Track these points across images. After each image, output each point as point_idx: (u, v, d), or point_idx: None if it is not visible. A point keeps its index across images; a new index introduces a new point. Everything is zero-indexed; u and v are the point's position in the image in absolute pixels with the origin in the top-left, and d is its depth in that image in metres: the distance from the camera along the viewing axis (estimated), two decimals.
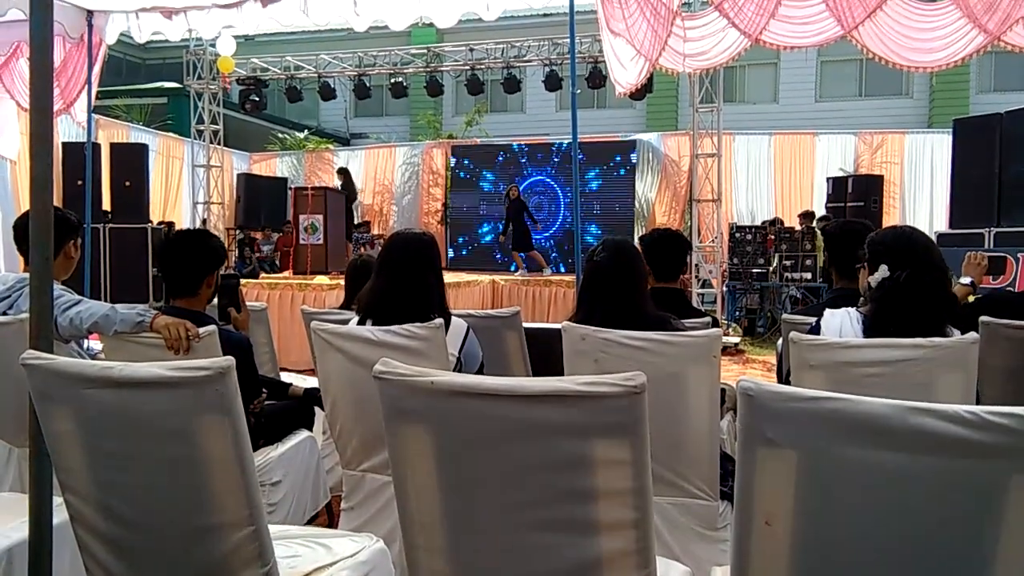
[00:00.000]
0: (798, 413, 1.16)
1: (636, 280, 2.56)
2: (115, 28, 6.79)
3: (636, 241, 3.39)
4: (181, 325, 2.42)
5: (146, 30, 6.72)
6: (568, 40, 6.18)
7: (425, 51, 12.92)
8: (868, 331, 2.25)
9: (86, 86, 6.97)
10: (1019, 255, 6.09)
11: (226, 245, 10.16)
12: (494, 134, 15.84)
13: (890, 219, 11.12)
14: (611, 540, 1.34)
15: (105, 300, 6.36)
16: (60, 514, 1.79)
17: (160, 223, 11.01)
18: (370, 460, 2.60)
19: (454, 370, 2.53)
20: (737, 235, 10.16)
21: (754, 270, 9.81)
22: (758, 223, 11.16)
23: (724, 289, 9.97)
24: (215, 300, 2.86)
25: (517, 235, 10.71)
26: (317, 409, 3.21)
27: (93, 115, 7.61)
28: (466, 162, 13.70)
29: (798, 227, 10.14)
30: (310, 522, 2.99)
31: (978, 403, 2.02)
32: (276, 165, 15.24)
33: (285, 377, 3.66)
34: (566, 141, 12.41)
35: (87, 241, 5.11)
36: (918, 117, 17.14)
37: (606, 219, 12.58)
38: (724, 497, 2.37)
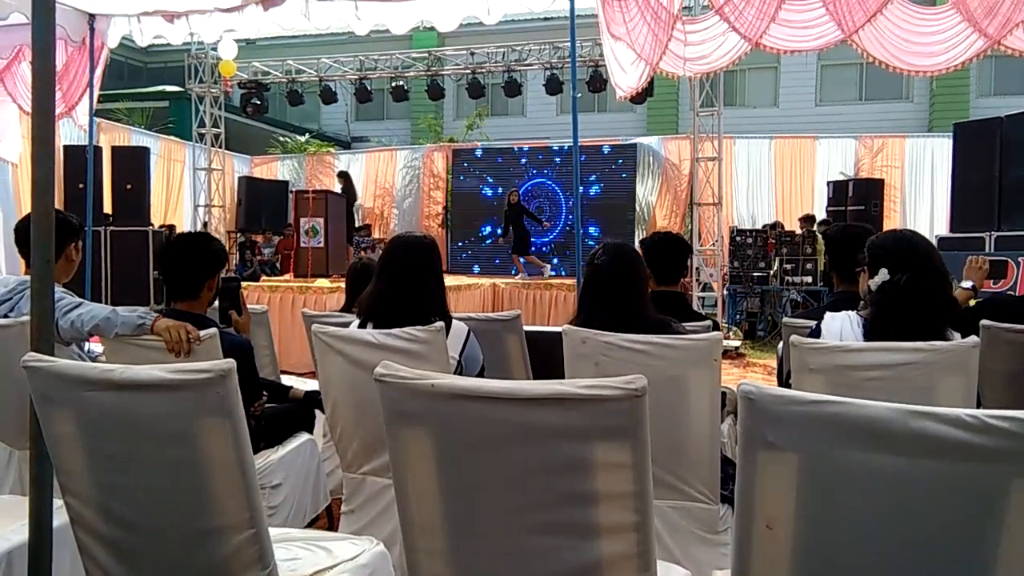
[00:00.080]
0: (799, 417, 1.16)
1: (637, 283, 2.56)
2: (117, 32, 6.80)
3: (637, 244, 3.39)
4: (182, 328, 2.42)
5: (148, 34, 6.73)
6: (569, 44, 6.19)
7: (426, 55, 12.94)
8: (868, 335, 2.25)
9: (88, 89, 6.98)
10: (1020, 259, 6.10)
11: (227, 248, 10.21)
12: (495, 138, 15.86)
13: (891, 223, 11.11)
14: (612, 543, 1.34)
15: (106, 303, 6.37)
16: (60, 516, 1.79)
17: (161, 226, 11.03)
18: (370, 463, 2.59)
19: (455, 373, 2.53)
20: (738, 239, 10.16)
21: (755, 274, 9.81)
22: (759, 227, 11.16)
23: (725, 292, 9.97)
24: (216, 303, 2.86)
25: (516, 239, 10.75)
26: (318, 412, 3.21)
27: (95, 118, 7.61)
28: (467, 166, 13.70)
29: (799, 231, 10.15)
30: (310, 525, 2.99)
31: (979, 407, 2.02)
32: (277, 168, 15.26)
33: (286, 380, 3.66)
34: (567, 145, 12.43)
35: (88, 244, 5.12)
36: (918, 121, 17.14)
37: (607, 223, 12.59)
38: (725, 500, 2.37)
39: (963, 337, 2.19)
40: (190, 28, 6.60)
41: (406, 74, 13.03)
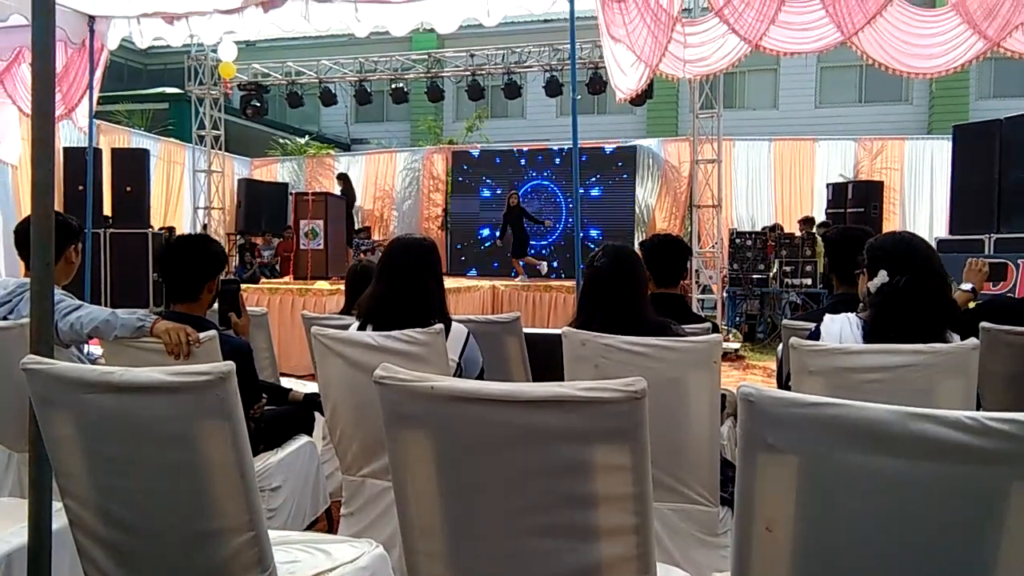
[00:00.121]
0: (799, 419, 1.16)
1: (636, 286, 2.56)
2: (117, 33, 6.80)
3: (636, 247, 3.39)
4: (181, 330, 2.42)
5: (148, 35, 6.74)
6: (568, 46, 6.19)
7: (426, 57, 12.95)
8: (868, 337, 2.25)
9: (88, 91, 6.98)
10: (1019, 261, 6.10)
11: (227, 250, 10.22)
12: (495, 140, 15.87)
13: (890, 225, 11.12)
14: (611, 546, 1.34)
15: (106, 305, 6.37)
16: (60, 519, 1.78)
17: (161, 228, 11.03)
18: (370, 465, 2.59)
19: (454, 375, 2.53)
20: (737, 241, 10.16)
21: (754, 276, 9.81)
22: (758, 229, 11.16)
23: (724, 295, 9.97)
24: (215, 305, 2.86)
25: (516, 241, 10.78)
26: (317, 414, 3.21)
27: (94, 120, 7.62)
28: (467, 168, 13.71)
29: (798, 233, 10.15)
30: (310, 527, 2.99)
31: (978, 409, 2.03)
32: (277, 170, 15.27)
33: (285, 382, 3.66)
34: (566, 147, 12.43)
35: (88, 246, 5.12)
36: (918, 123, 17.16)
37: (606, 225, 12.60)
38: (724, 503, 2.37)
39: (963, 339, 2.18)
40: (190, 30, 6.60)
41: (406, 76, 13.04)
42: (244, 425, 1.55)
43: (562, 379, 2.43)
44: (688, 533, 2.38)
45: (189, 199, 13.28)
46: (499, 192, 12.86)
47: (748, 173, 12.59)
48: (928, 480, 1.11)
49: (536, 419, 1.30)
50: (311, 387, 3.33)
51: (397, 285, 2.60)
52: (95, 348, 3.09)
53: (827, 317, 2.40)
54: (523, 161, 13.28)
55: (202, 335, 2.45)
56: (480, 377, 2.68)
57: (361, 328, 2.64)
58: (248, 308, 3.14)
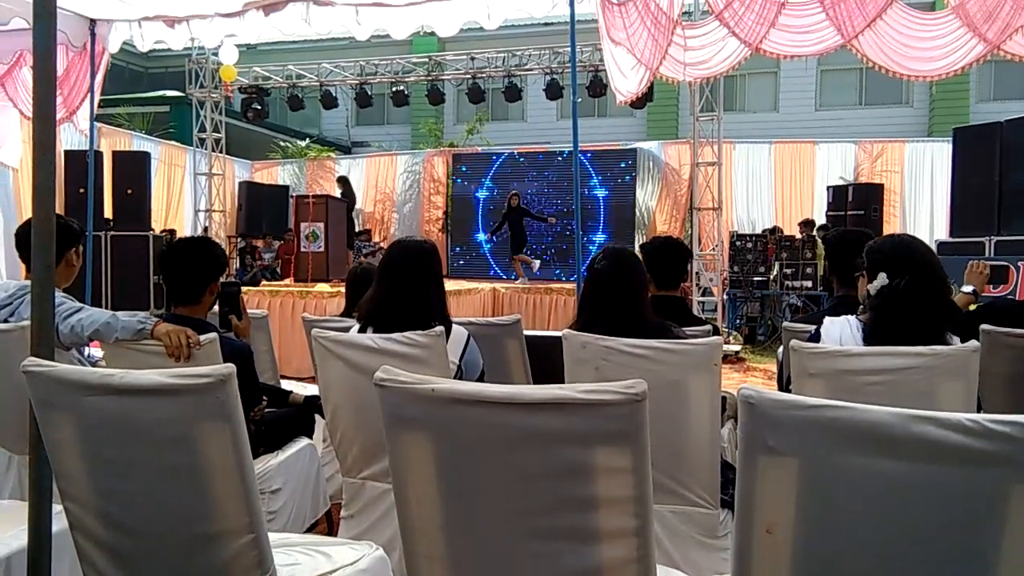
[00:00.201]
0: (799, 421, 1.16)
1: (637, 288, 2.56)
2: (118, 37, 6.82)
3: (637, 249, 3.40)
4: (182, 332, 2.42)
5: (149, 39, 6.75)
6: (569, 49, 6.20)
7: (426, 60, 12.96)
8: (868, 339, 2.25)
9: (89, 94, 7.00)
10: (1020, 264, 6.10)
11: (227, 253, 10.21)
12: (495, 142, 15.87)
13: (890, 228, 11.12)
14: (612, 548, 1.34)
15: (106, 308, 6.37)
16: (60, 522, 1.78)
17: (162, 231, 11.04)
18: (370, 468, 2.59)
19: (455, 378, 2.53)
20: (738, 243, 10.16)
21: (755, 278, 9.81)
22: (758, 231, 11.16)
23: (725, 297, 9.97)
24: (216, 307, 2.86)
25: (514, 240, 10.83)
26: (317, 417, 3.21)
27: (95, 123, 7.63)
28: (467, 170, 13.72)
29: (798, 235, 10.15)
30: (310, 530, 2.98)
31: (979, 411, 2.02)
32: (278, 173, 15.28)
33: (285, 385, 3.66)
34: (567, 149, 12.44)
35: (89, 249, 5.13)
36: (918, 126, 17.16)
37: (607, 227, 12.60)
38: (725, 505, 2.36)
39: (963, 341, 2.18)
40: (191, 33, 6.62)
41: (406, 79, 13.05)
42: (244, 427, 1.55)
43: (562, 381, 2.43)
44: (688, 535, 2.38)
45: (190, 202, 13.28)
46: (500, 195, 12.86)
47: (748, 176, 12.60)
48: (929, 482, 1.11)
49: (537, 421, 1.30)
50: (311, 389, 3.33)
51: (398, 288, 2.60)
52: (96, 350, 3.10)
53: (827, 320, 2.40)
54: (524, 163, 13.29)
55: (203, 337, 2.45)
56: (481, 379, 2.68)
57: (362, 330, 2.64)
58: (249, 310, 3.14)
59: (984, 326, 2.66)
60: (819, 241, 9.54)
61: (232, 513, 1.57)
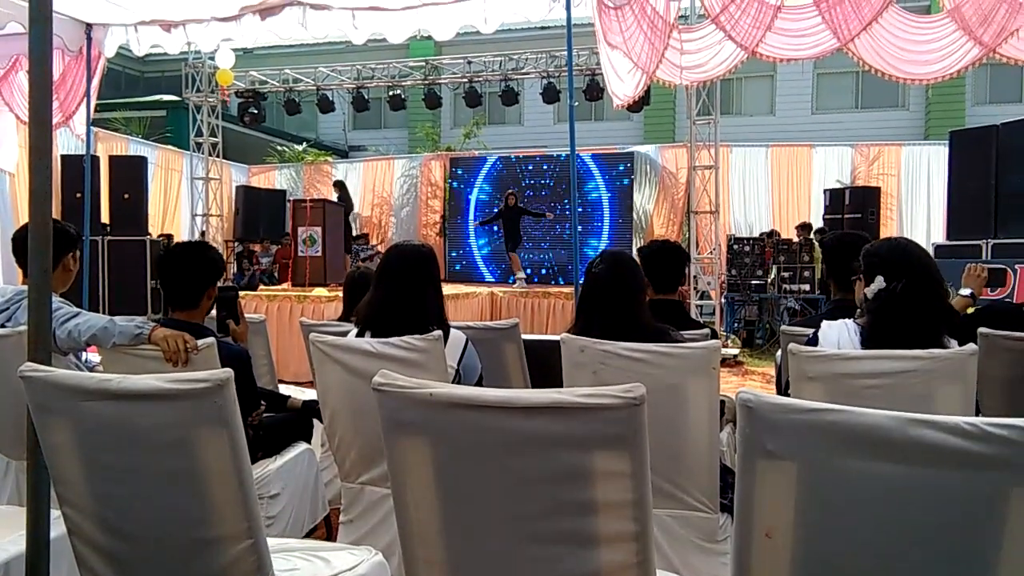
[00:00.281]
0: (798, 425, 1.16)
1: (634, 292, 2.56)
2: (114, 41, 6.81)
3: (634, 253, 3.40)
4: (179, 337, 2.42)
5: (145, 43, 6.74)
6: (566, 53, 6.21)
7: (423, 64, 12.98)
8: (866, 342, 2.25)
9: (85, 99, 6.99)
10: (1017, 266, 6.11)
11: (225, 257, 10.19)
12: (492, 146, 15.87)
13: (887, 231, 11.15)
14: (611, 552, 1.33)
15: (104, 312, 6.36)
16: (57, 527, 1.78)
17: (159, 236, 11.02)
18: (369, 472, 2.59)
19: (453, 382, 2.53)
20: (735, 247, 10.18)
21: (752, 282, 9.82)
22: (756, 235, 11.18)
23: (722, 301, 9.98)
24: (214, 312, 2.86)
25: (510, 238, 10.84)
26: (316, 421, 3.21)
27: (92, 128, 7.62)
28: (464, 174, 13.73)
29: (796, 239, 10.17)
30: (308, 535, 2.98)
31: (977, 415, 2.03)
32: (275, 177, 15.27)
33: (283, 389, 3.65)
34: (564, 153, 12.46)
35: (85, 253, 5.12)
36: (914, 129, 17.20)
37: (604, 231, 12.61)
38: (724, 509, 2.36)
39: (961, 345, 2.19)
40: (187, 37, 6.61)
41: (403, 83, 13.07)
42: (242, 432, 1.55)
43: (561, 385, 2.43)
44: (687, 540, 2.38)
45: (187, 206, 13.28)
46: (497, 198, 12.87)
47: (745, 179, 12.63)
48: (927, 486, 1.11)
49: (535, 426, 1.30)
50: (309, 394, 3.33)
51: (395, 292, 2.60)
52: (93, 355, 3.09)
53: (825, 323, 2.40)
54: (521, 167, 13.30)
55: (200, 342, 2.45)
56: (479, 384, 2.68)
57: (359, 335, 2.63)
58: (246, 315, 3.14)
59: (982, 329, 2.66)
60: (816, 244, 9.56)
61: (230, 518, 1.57)
